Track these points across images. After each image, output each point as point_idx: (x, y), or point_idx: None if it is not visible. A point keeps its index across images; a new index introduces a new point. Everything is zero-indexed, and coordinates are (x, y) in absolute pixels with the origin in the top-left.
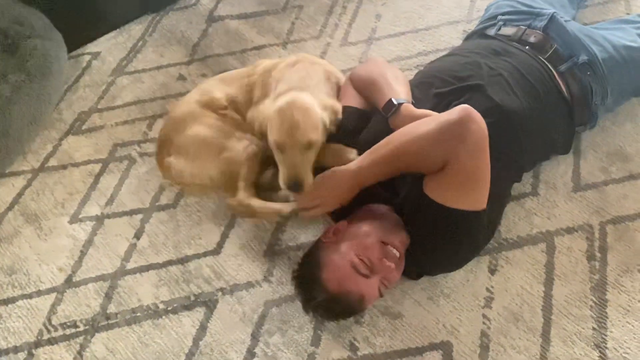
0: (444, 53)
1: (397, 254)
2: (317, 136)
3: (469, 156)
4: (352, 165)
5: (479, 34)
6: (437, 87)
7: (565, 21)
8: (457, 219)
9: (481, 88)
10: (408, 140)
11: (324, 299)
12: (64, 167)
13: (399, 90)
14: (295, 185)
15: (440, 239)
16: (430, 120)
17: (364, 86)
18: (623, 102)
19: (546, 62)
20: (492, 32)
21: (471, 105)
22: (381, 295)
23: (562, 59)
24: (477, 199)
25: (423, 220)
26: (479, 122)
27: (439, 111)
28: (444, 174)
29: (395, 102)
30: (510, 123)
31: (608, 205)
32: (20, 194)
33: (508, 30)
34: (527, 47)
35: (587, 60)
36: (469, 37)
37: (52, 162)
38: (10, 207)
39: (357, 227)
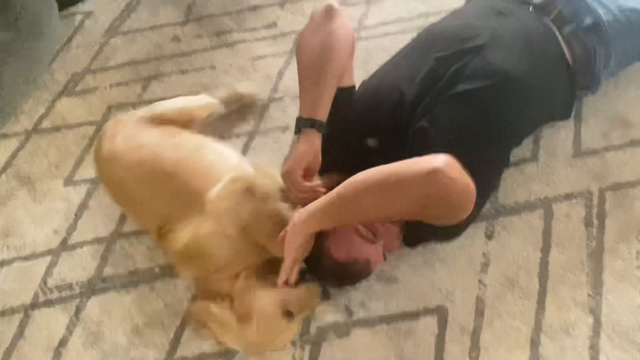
0: (446, 15)
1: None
2: None
3: (461, 201)
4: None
5: None
6: (437, 50)
7: None
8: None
9: (482, 50)
10: (375, 206)
11: (331, 266)
12: (58, 129)
13: (312, 102)
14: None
15: (433, 229)
16: (395, 184)
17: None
18: (627, 66)
19: (550, 25)
20: None
21: (470, 69)
22: (385, 259)
23: (566, 21)
24: (470, 209)
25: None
26: (451, 168)
27: (438, 75)
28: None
29: (301, 124)
30: (510, 86)
31: (608, 171)
32: (13, 156)
33: None
34: (530, 7)
35: (591, 23)
36: None
37: (46, 123)
38: (3, 170)
39: None
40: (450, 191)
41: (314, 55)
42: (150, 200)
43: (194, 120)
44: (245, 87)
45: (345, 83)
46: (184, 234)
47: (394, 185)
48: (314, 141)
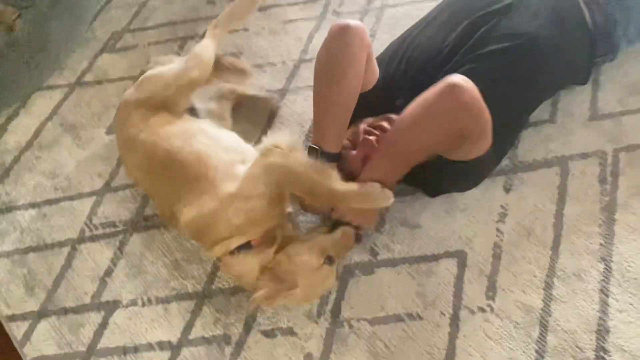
0: None
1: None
2: None
3: (478, 117)
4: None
5: None
6: (466, 12)
7: None
8: (468, 166)
9: (510, 12)
10: (414, 141)
11: None
12: (99, 82)
13: (321, 132)
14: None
15: (454, 179)
16: (423, 111)
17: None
18: None
19: None
20: None
21: (497, 30)
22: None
23: None
24: (487, 143)
25: (435, 172)
26: (466, 82)
27: (467, 36)
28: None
29: (309, 151)
30: (533, 48)
31: (623, 134)
32: (58, 106)
33: None
34: None
35: None
36: None
37: (88, 77)
38: (49, 118)
39: None
40: (469, 102)
41: (325, 83)
42: (156, 188)
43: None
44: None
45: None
46: (188, 212)
47: (425, 111)
48: None
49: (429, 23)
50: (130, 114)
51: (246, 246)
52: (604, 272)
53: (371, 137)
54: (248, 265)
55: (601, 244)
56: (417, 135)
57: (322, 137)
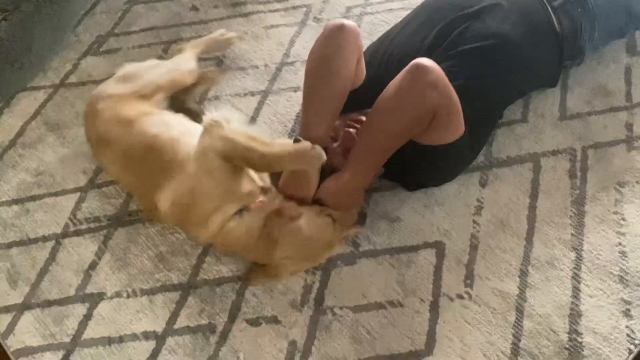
0: None
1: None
2: None
3: (445, 95)
4: (345, 177)
5: None
6: (441, 15)
7: None
8: (443, 151)
9: (480, 15)
10: (389, 125)
11: None
12: (84, 83)
13: (307, 124)
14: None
15: (431, 169)
16: (393, 95)
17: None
18: (609, 42)
19: None
20: None
21: (470, 31)
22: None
23: None
24: (458, 127)
25: (413, 162)
26: (429, 64)
27: (442, 37)
28: (431, 123)
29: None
30: (504, 48)
31: (590, 132)
32: (42, 106)
33: None
34: None
35: None
36: None
37: (72, 79)
38: (33, 117)
39: None
40: (435, 78)
41: (317, 79)
42: (135, 182)
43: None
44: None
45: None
46: (165, 197)
47: (395, 94)
48: None
49: (406, 24)
50: (104, 110)
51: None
52: (575, 260)
53: (351, 130)
54: (253, 224)
55: (572, 234)
56: (391, 118)
57: (308, 130)
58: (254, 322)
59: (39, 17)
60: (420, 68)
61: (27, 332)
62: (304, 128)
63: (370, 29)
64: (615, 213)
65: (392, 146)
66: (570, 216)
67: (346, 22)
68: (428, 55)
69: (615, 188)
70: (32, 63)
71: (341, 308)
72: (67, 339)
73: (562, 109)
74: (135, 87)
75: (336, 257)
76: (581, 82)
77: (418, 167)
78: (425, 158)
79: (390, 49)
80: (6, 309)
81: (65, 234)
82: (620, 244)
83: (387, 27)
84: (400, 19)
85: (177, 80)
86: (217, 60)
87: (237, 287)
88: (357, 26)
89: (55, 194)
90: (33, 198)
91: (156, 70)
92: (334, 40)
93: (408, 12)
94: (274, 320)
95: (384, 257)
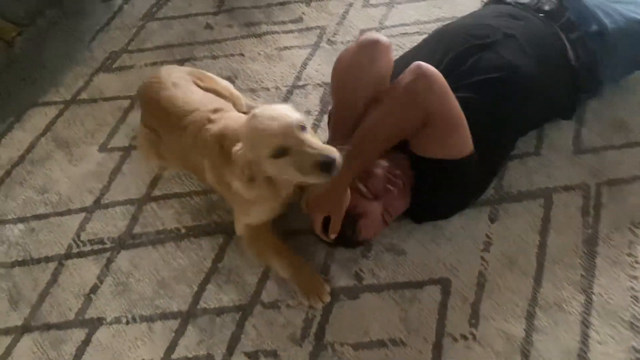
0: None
1: (401, 184)
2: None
3: (441, 101)
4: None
5: (497, 0)
6: (455, 43)
7: None
8: (448, 169)
9: (494, 46)
10: (383, 120)
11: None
12: (95, 100)
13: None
14: (328, 162)
15: (434, 189)
16: (391, 94)
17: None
18: (629, 75)
19: (558, 30)
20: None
21: (484, 61)
22: (386, 224)
23: (573, 28)
24: (462, 144)
25: (432, 178)
26: (432, 69)
27: (455, 66)
28: (425, 128)
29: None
30: (517, 79)
31: (605, 168)
32: (52, 122)
33: None
34: (541, 14)
35: (597, 31)
36: (486, 4)
37: (84, 95)
38: (42, 133)
39: None
40: (431, 75)
41: (346, 100)
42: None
43: (230, 100)
44: None
45: None
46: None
47: (395, 90)
48: None
49: (419, 50)
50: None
51: None
52: (584, 303)
53: (393, 189)
54: None
55: (582, 276)
56: (382, 111)
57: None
58: (253, 356)
59: (53, 32)
60: (422, 67)
61: (25, 356)
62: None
63: None
64: (628, 255)
65: (378, 143)
66: (581, 256)
67: (381, 37)
68: None
69: (629, 228)
70: (44, 78)
71: (342, 345)
72: None
73: (577, 143)
74: (211, 86)
75: (339, 289)
76: (598, 115)
77: (423, 185)
78: (431, 174)
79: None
80: (6, 331)
81: (68, 255)
82: (632, 288)
83: (401, 52)
84: (414, 44)
85: (231, 93)
86: (228, 81)
87: (237, 318)
88: (390, 42)
89: (61, 214)
90: (38, 217)
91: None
92: (369, 50)
93: (423, 36)
94: (273, 354)
95: (388, 292)
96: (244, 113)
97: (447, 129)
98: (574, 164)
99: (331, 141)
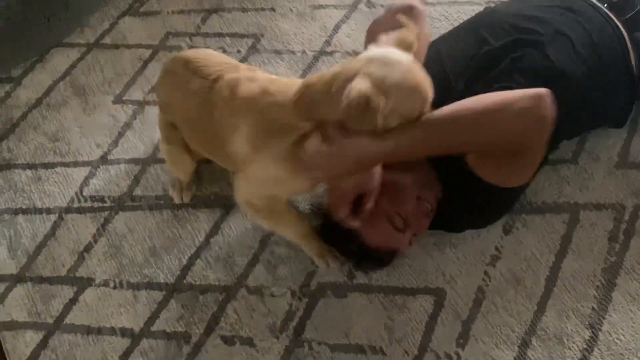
0: None
1: (431, 209)
2: None
3: (540, 136)
4: (385, 141)
5: None
6: (497, 34)
7: None
8: (503, 195)
9: (541, 45)
10: (480, 123)
11: (359, 249)
12: (117, 47)
13: None
14: None
15: (465, 209)
16: (499, 100)
17: None
18: None
19: (620, 27)
20: None
21: (526, 61)
22: (410, 244)
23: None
24: (525, 176)
25: (463, 194)
26: (553, 108)
27: (494, 60)
28: (509, 157)
29: None
30: (563, 85)
31: None
32: (73, 66)
33: None
34: (605, 4)
35: None
36: None
37: (107, 39)
38: (62, 77)
39: (392, 177)
40: (545, 115)
41: None
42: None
43: None
44: None
45: None
46: None
47: (502, 100)
48: None
49: (453, 41)
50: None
51: None
52: (589, 340)
53: (427, 220)
54: None
55: (593, 309)
56: (481, 116)
57: None
58: (229, 341)
59: None
60: (543, 98)
61: (16, 305)
62: None
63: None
64: None
65: (447, 140)
66: (598, 287)
67: (416, 2)
68: (473, 79)
69: None
70: (69, 18)
71: (319, 344)
72: (51, 320)
73: (623, 155)
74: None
75: (327, 285)
76: None
77: (450, 199)
78: (465, 192)
79: (432, 66)
80: (1, 278)
81: (69, 210)
82: None
83: (446, 24)
84: (462, 15)
85: None
86: (253, 39)
87: (220, 299)
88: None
89: (67, 165)
90: (46, 166)
91: None
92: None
93: (474, 7)
94: (249, 342)
95: (378, 295)
96: None
97: (525, 164)
98: (614, 179)
99: None
